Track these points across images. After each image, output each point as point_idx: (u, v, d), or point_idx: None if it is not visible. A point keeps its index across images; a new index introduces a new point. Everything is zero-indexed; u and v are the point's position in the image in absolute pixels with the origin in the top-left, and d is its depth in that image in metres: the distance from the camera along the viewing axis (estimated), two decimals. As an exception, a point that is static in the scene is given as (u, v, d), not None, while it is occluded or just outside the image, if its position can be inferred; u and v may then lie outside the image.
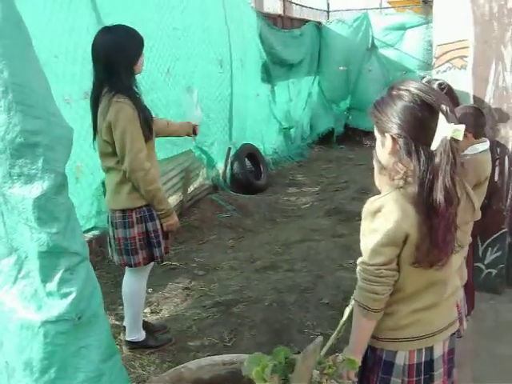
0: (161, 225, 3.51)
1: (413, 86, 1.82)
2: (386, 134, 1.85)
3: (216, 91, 7.77)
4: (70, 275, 1.63)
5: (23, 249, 1.66)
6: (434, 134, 1.74)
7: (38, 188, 1.57)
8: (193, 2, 6.96)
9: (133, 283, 3.69)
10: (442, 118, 1.74)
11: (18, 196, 1.59)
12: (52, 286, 1.63)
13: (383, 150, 1.90)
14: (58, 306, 1.63)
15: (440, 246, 1.78)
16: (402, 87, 1.84)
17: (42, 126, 1.56)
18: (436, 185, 1.75)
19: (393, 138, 1.83)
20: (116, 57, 3.23)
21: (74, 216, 1.64)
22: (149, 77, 5.71)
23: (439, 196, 1.74)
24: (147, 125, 3.38)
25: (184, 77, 6.73)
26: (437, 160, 1.74)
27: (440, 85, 3.43)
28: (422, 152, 1.77)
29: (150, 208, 3.46)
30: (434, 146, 1.75)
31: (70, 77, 4.75)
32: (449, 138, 1.73)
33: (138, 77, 3.45)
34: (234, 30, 8.10)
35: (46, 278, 1.64)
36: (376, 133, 1.94)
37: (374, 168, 2.05)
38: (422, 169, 1.76)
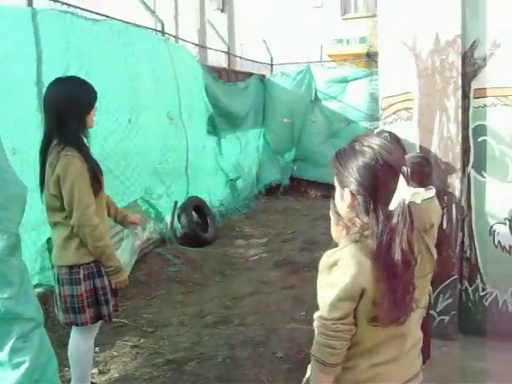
0: (109, 281, 3.39)
1: (375, 144, 1.81)
2: (346, 189, 1.84)
3: (168, 144, 7.76)
4: (23, 343, 1.51)
5: (-29, 315, 1.54)
6: (393, 194, 1.75)
7: (-11, 250, 1.46)
8: (142, 56, 6.98)
9: (80, 343, 3.53)
10: (402, 180, 1.75)
11: (-32, 261, 1.48)
12: (3, 355, 1.50)
13: (342, 202, 1.90)
14: (9, 378, 1.49)
15: (399, 306, 1.77)
16: (365, 143, 1.83)
17: (-6, 184, 1.46)
18: (393, 246, 1.75)
19: (352, 194, 1.83)
20: (67, 107, 3.19)
21: (28, 278, 1.54)
22: (104, 129, 5.69)
23: (397, 257, 1.74)
24: (96, 178, 3.30)
25: (138, 130, 6.69)
26: (394, 221, 1.75)
27: (387, 137, 3.49)
28: (380, 211, 1.77)
29: (98, 264, 3.34)
30: (392, 206, 1.76)
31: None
32: (407, 201, 1.74)
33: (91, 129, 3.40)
34: (181, 84, 8.13)
35: (-5, 348, 1.53)
36: (336, 183, 1.92)
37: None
38: (381, 228, 1.76)
